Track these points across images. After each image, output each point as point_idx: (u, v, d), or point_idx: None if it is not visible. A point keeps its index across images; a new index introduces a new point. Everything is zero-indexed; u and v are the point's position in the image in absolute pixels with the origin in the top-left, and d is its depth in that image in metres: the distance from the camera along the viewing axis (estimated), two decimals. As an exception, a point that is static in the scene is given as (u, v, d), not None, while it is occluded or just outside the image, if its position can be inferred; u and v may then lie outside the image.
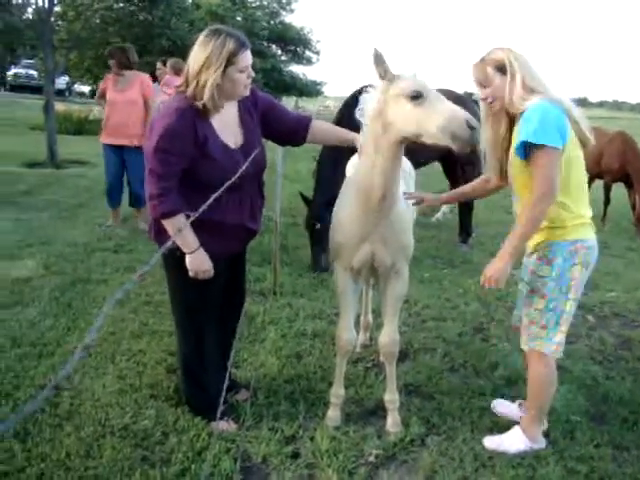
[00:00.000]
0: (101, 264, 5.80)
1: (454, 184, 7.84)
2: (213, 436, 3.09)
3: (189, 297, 3.09)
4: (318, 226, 5.63)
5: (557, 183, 2.71)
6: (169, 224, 2.79)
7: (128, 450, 2.99)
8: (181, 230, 2.62)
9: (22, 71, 34.15)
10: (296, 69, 36.23)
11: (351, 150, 3.21)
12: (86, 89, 34.72)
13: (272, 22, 33.60)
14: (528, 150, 2.73)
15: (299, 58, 36.14)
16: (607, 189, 9.18)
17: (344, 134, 3.26)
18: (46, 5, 11.92)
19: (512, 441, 3.16)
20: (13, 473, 2.79)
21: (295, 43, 35.20)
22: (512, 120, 2.92)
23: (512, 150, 2.87)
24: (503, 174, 3.10)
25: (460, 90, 5.99)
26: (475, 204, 7.35)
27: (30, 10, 15.26)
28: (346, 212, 3.03)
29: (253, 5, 32.64)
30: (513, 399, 3.58)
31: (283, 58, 35.69)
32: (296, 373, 3.84)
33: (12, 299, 4.81)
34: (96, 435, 3.10)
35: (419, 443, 3.21)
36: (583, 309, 5.08)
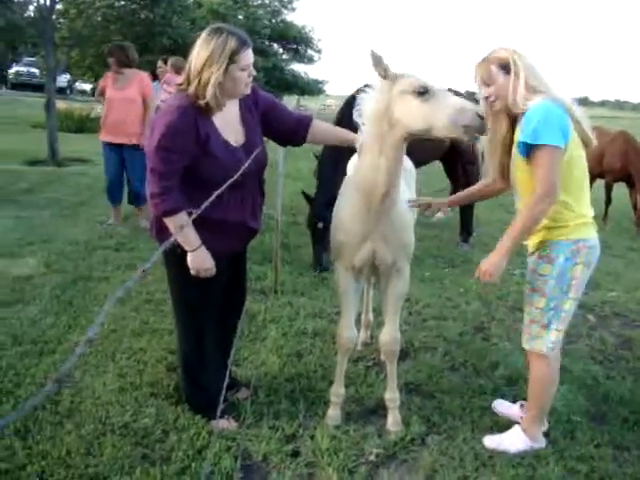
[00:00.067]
0: (102, 262, 5.80)
1: (455, 183, 7.85)
2: (213, 434, 3.09)
3: (190, 295, 3.09)
4: (320, 225, 5.63)
5: (559, 183, 2.71)
6: (171, 222, 2.79)
7: (128, 448, 2.99)
8: (183, 228, 2.62)
9: (23, 69, 34.14)
10: (298, 68, 36.28)
11: (351, 150, 3.21)
12: (87, 87, 34.73)
13: (274, 20, 33.61)
14: (530, 149, 2.73)
15: (301, 57, 36.15)
16: (608, 189, 9.17)
17: (343, 134, 3.27)
18: (48, 3, 11.92)
19: (512, 440, 3.16)
20: (14, 471, 2.79)
21: (297, 42, 35.21)
22: (513, 120, 2.92)
23: (514, 149, 2.88)
24: (505, 174, 3.10)
25: (461, 89, 5.98)
26: (476, 203, 7.34)
27: (32, 8, 15.27)
28: (347, 211, 3.03)
29: (255, 3, 32.64)
30: (514, 398, 3.58)
31: (285, 57, 35.71)
32: (297, 372, 3.84)
33: (13, 297, 4.81)
34: (96, 433, 3.10)
35: (419, 442, 3.21)
36: (584, 309, 5.08)
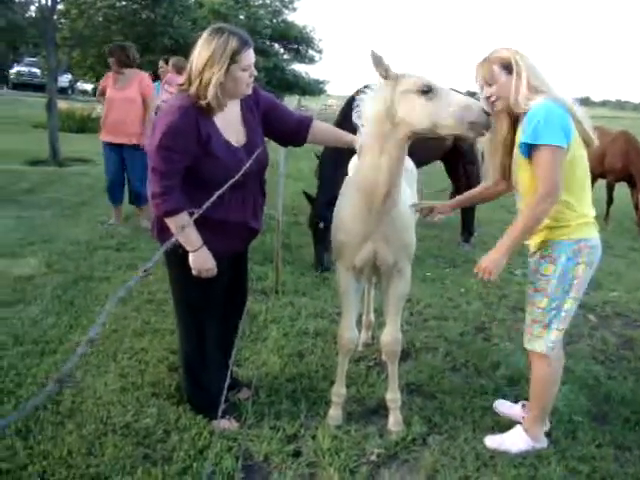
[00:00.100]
0: (103, 262, 5.81)
1: (457, 183, 7.84)
2: (215, 434, 3.09)
3: (191, 295, 3.09)
4: (321, 225, 5.63)
5: (561, 183, 2.70)
6: (172, 222, 2.79)
7: (130, 448, 2.99)
8: (184, 228, 2.62)
9: (25, 69, 34.18)
10: (299, 68, 36.32)
11: (352, 150, 3.22)
12: (89, 87, 34.76)
13: (275, 20, 33.64)
14: (532, 149, 2.73)
15: (302, 57, 36.19)
16: (610, 189, 9.16)
17: (343, 135, 3.28)
18: (49, 3, 11.93)
19: (514, 440, 3.16)
20: (15, 471, 2.79)
21: (298, 42, 35.25)
22: (514, 120, 2.92)
23: (516, 150, 2.88)
24: (506, 176, 3.10)
25: (462, 89, 5.98)
26: (477, 203, 7.34)
27: (33, 8, 15.29)
28: (348, 211, 3.03)
29: (256, 3, 32.66)
30: (515, 399, 3.58)
31: (286, 57, 35.74)
32: (298, 372, 3.84)
33: (14, 297, 4.81)
34: (98, 433, 3.10)
35: (421, 442, 3.21)
36: (585, 309, 5.08)
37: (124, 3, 18.84)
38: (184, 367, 3.32)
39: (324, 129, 3.33)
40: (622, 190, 9.44)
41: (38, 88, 29.26)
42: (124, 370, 3.76)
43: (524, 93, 2.76)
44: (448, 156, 7.24)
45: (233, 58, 2.72)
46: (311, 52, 36.45)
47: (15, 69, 34.85)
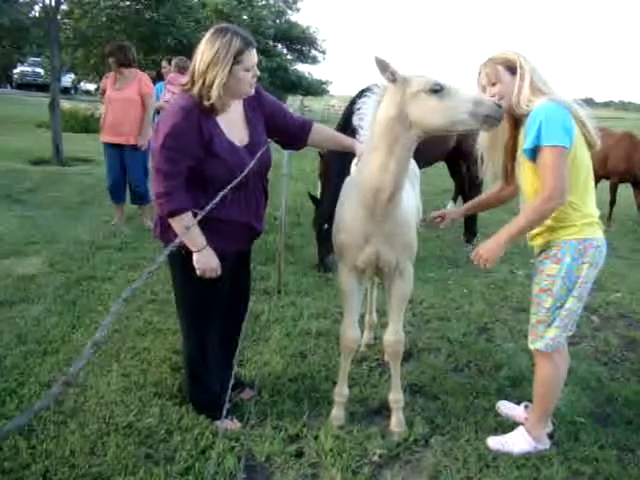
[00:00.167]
0: (106, 262, 5.81)
1: (460, 183, 7.84)
2: (217, 435, 3.09)
3: (194, 295, 3.10)
4: (326, 226, 5.63)
5: (566, 184, 2.70)
6: (176, 222, 2.79)
7: (132, 448, 3.00)
8: (189, 228, 2.62)
9: (28, 69, 34.25)
10: (302, 68, 36.34)
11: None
12: (92, 87, 34.81)
13: (278, 21, 33.65)
14: (535, 151, 2.73)
15: (305, 57, 36.20)
16: (613, 190, 9.14)
17: (343, 139, 3.29)
18: (53, 3, 11.96)
19: (516, 441, 3.15)
20: (18, 470, 2.80)
21: (301, 42, 35.26)
22: (516, 122, 2.92)
23: (519, 152, 2.88)
24: (509, 179, 3.10)
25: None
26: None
27: (37, 8, 15.31)
28: (350, 212, 3.03)
29: (259, 4, 32.65)
30: (518, 400, 3.58)
31: (289, 57, 35.75)
32: (300, 372, 3.84)
33: (17, 296, 4.82)
34: (100, 433, 3.11)
35: (423, 443, 3.20)
36: (588, 310, 5.06)
37: (127, 3, 18.88)
38: (187, 367, 3.32)
39: (324, 133, 3.34)
40: (625, 191, 9.43)
41: (41, 88, 29.36)
42: (127, 370, 3.76)
43: (526, 94, 2.77)
44: (451, 157, 7.24)
45: (236, 58, 2.72)
46: (314, 52, 36.47)
47: (19, 69, 34.93)
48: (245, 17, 30.15)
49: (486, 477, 2.95)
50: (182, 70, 7.85)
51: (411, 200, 3.22)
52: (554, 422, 3.35)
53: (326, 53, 36.60)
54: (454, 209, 3.56)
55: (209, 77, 2.70)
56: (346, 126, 5.05)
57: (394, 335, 3.24)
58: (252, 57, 2.79)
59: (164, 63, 9.15)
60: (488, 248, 2.87)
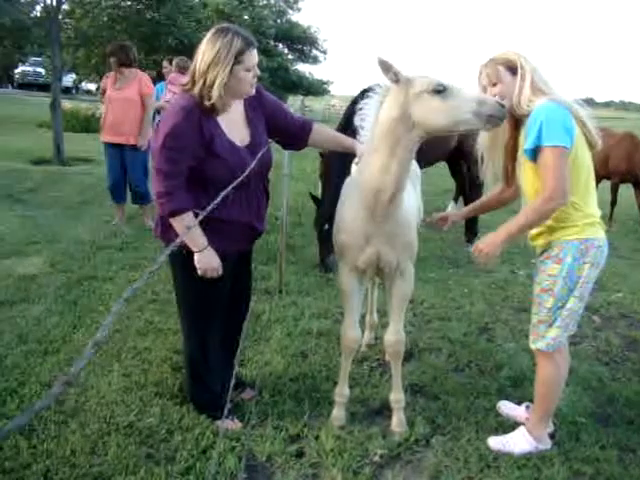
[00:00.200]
0: (107, 262, 5.81)
1: (461, 183, 7.84)
2: (218, 434, 3.09)
3: (195, 295, 3.09)
4: (327, 227, 5.63)
5: (567, 184, 2.70)
6: (177, 222, 2.79)
7: (133, 447, 2.99)
8: (190, 228, 2.62)
9: (29, 69, 34.31)
10: (302, 68, 36.35)
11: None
12: (93, 87, 34.84)
13: (279, 21, 33.66)
14: (536, 151, 2.73)
15: (306, 57, 36.21)
16: (614, 190, 9.13)
17: (343, 140, 3.29)
18: (54, 3, 11.96)
19: (517, 441, 3.15)
20: (18, 470, 2.80)
21: (302, 42, 35.27)
22: (516, 122, 2.92)
23: (520, 152, 2.88)
24: (510, 180, 3.10)
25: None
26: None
27: (38, 8, 15.32)
28: (351, 212, 3.02)
29: (260, 4, 32.66)
30: (519, 400, 3.57)
31: (290, 57, 35.76)
32: (301, 372, 3.84)
33: (18, 296, 4.83)
34: (101, 432, 3.11)
35: (424, 443, 3.20)
36: (589, 310, 5.06)
37: (129, 3, 18.89)
38: (188, 367, 3.32)
39: (325, 133, 3.34)
40: (626, 192, 9.43)
41: (43, 88, 29.39)
42: (127, 370, 3.76)
43: (527, 94, 2.78)
44: (452, 157, 7.24)
45: (237, 58, 2.72)
46: (315, 52, 36.48)
47: (20, 69, 34.99)
48: (246, 17, 30.16)
49: (487, 477, 2.95)
50: (183, 70, 7.84)
51: (412, 200, 3.22)
52: (555, 422, 3.35)
53: (327, 53, 36.66)
54: (455, 211, 3.57)
55: (210, 77, 2.70)
56: (347, 126, 5.05)
57: (395, 335, 3.24)
58: (253, 57, 2.79)
59: (165, 63, 9.15)
60: (488, 243, 2.89)
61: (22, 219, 7.23)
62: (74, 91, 33.81)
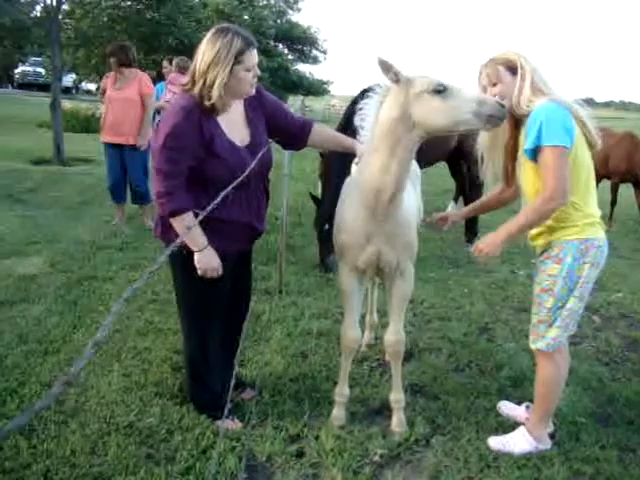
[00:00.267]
0: (107, 262, 5.81)
1: (461, 183, 7.84)
2: (218, 434, 3.09)
3: (195, 295, 3.09)
4: (327, 227, 5.63)
5: (567, 183, 2.70)
6: (177, 222, 2.79)
7: (133, 448, 3.00)
8: (190, 228, 2.62)
9: (29, 69, 34.31)
10: (303, 68, 36.37)
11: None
12: (93, 87, 34.84)
13: (279, 21, 33.67)
14: (536, 151, 2.73)
15: (306, 57, 36.22)
16: (614, 190, 9.13)
17: (343, 140, 3.29)
18: (54, 3, 11.96)
19: (517, 441, 3.15)
20: (18, 470, 2.80)
21: (302, 42, 35.28)
22: (516, 122, 2.92)
23: (520, 152, 2.88)
24: (509, 180, 3.11)
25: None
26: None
27: (38, 8, 15.32)
28: (351, 212, 3.02)
29: (260, 4, 32.66)
30: (519, 400, 3.57)
31: (290, 57, 35.77)
32: (301, 372, 3.84)
33: (18, 296, 4.83)
34: (101, 432, 3.11)
35: (424, 443, 3.20)
36: (589, 310, 5.06)
37: (129, 3, 18.88)
38: (188, 367, 3.32)
39: (325, 134, 3.34)
40: (626, 191, 9.43)
41: (43, 88, 29.39)
42: (127, 370, 3.76)
43: (527, 94, 2.78)
44: (452, 156, 7.24)
45: (237, 58, 2.72)
46: (315, 52, 36.49)
47: (20, 69, 34.99)
48: (246, 17, 30.17)
49: (487, 477, 2.95)
50: (183, 70, 7.84)
51: (412, 200, 3.22)
52: (555, 422, 3.35)
53: (327, 53, 36.67)
54: (456, 212, 3.57)
55: (210, 77, 2.70)
56: (347, 126, 5.05)
57: (395, 335, 3.24)
58: (253, 57, 2.79)
59: (165, 63, 9.14)
60: (488, 243, 2.90)
61: (22, 219, 7.23)
62: (74, 91, 33.81)
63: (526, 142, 2.77)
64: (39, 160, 11.69)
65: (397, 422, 3.30)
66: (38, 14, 15.62)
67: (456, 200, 8.76)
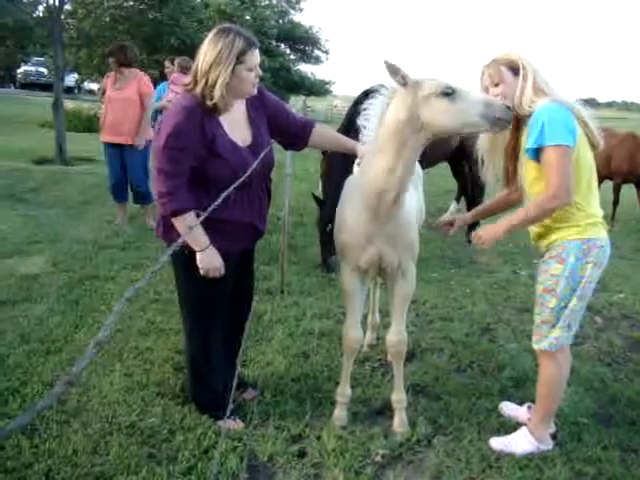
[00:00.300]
0: (109, 261, 5.82)
1: (463, 184, 7.84)
2: (220, 434, 3.09)
3: (197, 295, 3.09)
4: (329, 228, 5.62)
5: (571, 183, 2.70)
6: (179, 222, 2.79)
7: (135, 447, 3.00)
8: (192, 228, 2.63)
9: (32, 69, 34.35)
10: (305, 68, 36.38)
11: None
12: (95, 87, 34.86)
13: (281, 21, 33.68)
14: (539, 151, 2.73)
15: (308, 57, 36.23)
16: (616, 190, 9.13)
17: (345, 141, 3.30)
18: (56, 3, 11.97)
19: (519, 442, 3.15)
20: (20, 469, 2.80)
21: (304, 42, 35.29)
22: (517, 123, 2.92)
23: (522, 152, 2.88)
24: (510, 180, 3.11)
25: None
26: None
27: (41, 8, 15.34)
28: (352, 212, 3.02)
29: (262, 4, 32.68)
30: (520, 400, 3.57)
31: (292, 57, 35.78)
32: (303, 372, 3.84)
33: (20, 295, 4.83)
34: (103, 432, 3.11)
35: (426, 443, 3.20)
36: (591, 310, 5.05)
37: (131, 3, 18.84)
38: (189, 367, 3.32)
39: (326, 135, 3.34)
40: (629, 192, 9.42)
41: (45, 87, 29.42)
42: (129, 369, 3.76)
43: (529, 95, 2.79)
44: (454, 157, 7.24)
45: (239, 58, 2.72)
46: (317, 52, 36.50)
47: (22, 68, 35.03)
48: (248, 17, 30.18)
49: (489, 478, 2.95)
50: (185, 70, 7.84)
51: (413, 201, 3.23)
52: (557, 423, 3.35)
53: (329, 53, 36.68)
54: (462, 215, 3.58)
55: (212, 77, 2.70)
56: (350, 127, 5.04)
57: (397, 335, 3.24)
58: (255, 57, 2.79)
59: (167, 63, 9.14)
60: (488, 231, 2.97)
61: (24, 219, 7.24)
62: (76, 91, 33.87)
63: (528, 142, 2.77)
64: (41, 160, 11.71)
65: (399, 422, 3.30)
66: (40, 14, 15.64)
67: (458, 200, 8.76)
